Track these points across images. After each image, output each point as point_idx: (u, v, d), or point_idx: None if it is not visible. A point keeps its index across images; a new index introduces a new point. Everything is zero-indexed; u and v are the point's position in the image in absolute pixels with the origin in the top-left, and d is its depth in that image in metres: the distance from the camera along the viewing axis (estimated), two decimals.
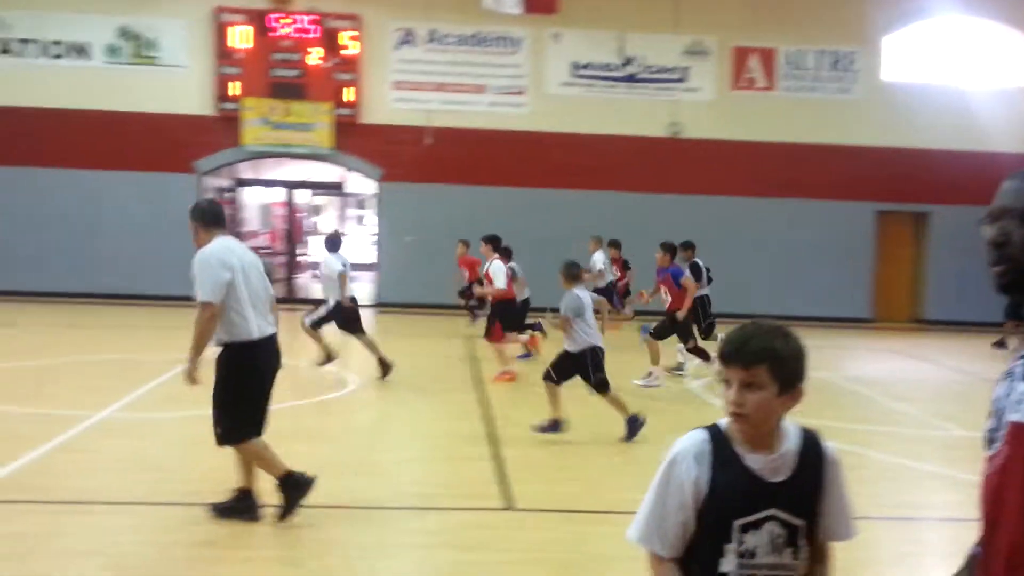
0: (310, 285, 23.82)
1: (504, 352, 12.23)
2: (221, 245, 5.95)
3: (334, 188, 23.20)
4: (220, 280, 5.75)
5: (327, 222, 27.70)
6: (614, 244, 17.77)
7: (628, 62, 20.51)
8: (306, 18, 19.53)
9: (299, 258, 23.88)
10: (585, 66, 20.44)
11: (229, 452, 6.13)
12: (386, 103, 20.05)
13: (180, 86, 19.49)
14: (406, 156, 20.09)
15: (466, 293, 16.70)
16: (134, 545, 5.62)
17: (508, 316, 12.50)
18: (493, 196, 20.09)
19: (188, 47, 19.53)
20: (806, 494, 2.36)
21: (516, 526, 6.21)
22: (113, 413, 9.14)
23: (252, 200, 23.25)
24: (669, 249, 11.99)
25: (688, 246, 12.96)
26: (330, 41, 19.61)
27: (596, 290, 15.08)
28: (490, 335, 12.41)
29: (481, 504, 6.62)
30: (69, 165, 19.23)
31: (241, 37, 19.40)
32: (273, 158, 20.49)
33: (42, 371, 11.35)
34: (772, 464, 2.34)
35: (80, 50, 19.34)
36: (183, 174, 19.52)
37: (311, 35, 19.54)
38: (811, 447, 2.41)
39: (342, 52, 19.66)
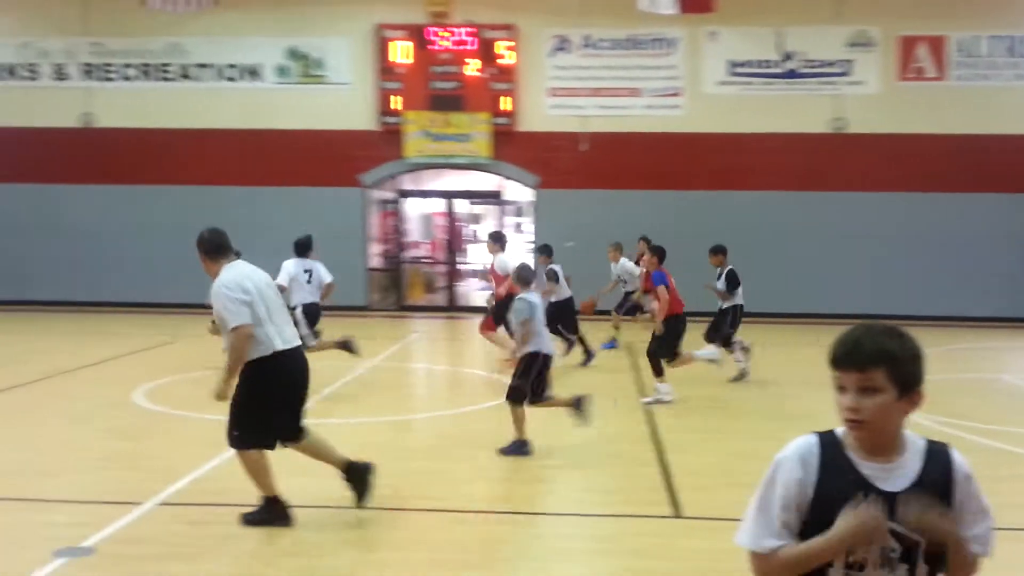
0: (471, 293, 24.27)
1: (497, 339, 12.50)
2: (233, 272, 6.13)
3: (492, 197, 23.55)
4: (242, 303, 5.95)
5: (486, 230, 28.13)
6: (644, 239, 17.35)
7: (788, 57, 20.00)
8: (463, 30, 19.93)
9: (459, 266, 24.34)
10: (743, 64, 20.06)
11: (393, 456, 6.33)
12: (542, 110, 20.22)
13: (345, 102, 20.24)
14: (562, 162, 20.20)
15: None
16: (316, 546, 5.87)
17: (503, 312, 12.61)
18: (650, 200, 19.96)
19: (352, 64, 20.26)
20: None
21: (684, 534, 6.16)
22: None
23: (413, 211, 23.85)
24: (656, 252, 11.51)
25: (719, 251, 12.60)
26: (487, 52, 19.95)
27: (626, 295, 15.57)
28: (484, 325, 12.77)
29: (648, 511, 6.60)
30: (242, 183, 20.25)
31: (402, 52, 19.97)
32: (433, 169, 20.98)
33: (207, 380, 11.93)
34: (888, 472, 2.23)
35: (252, 72, 20.36)
36: (350, 188, 20.26)
37: (468, 47, 19.93)
38: (937, 460, 2.28)
39: (498, 62, 19.97)
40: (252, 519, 6.20)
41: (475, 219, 31.21)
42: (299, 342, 6.37)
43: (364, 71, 20.22)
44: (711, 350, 11.83)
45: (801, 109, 19.90)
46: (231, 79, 20.40)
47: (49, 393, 10.91)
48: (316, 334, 11.58)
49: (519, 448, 8.20)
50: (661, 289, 10.76)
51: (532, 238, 21.53)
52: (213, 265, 6.19)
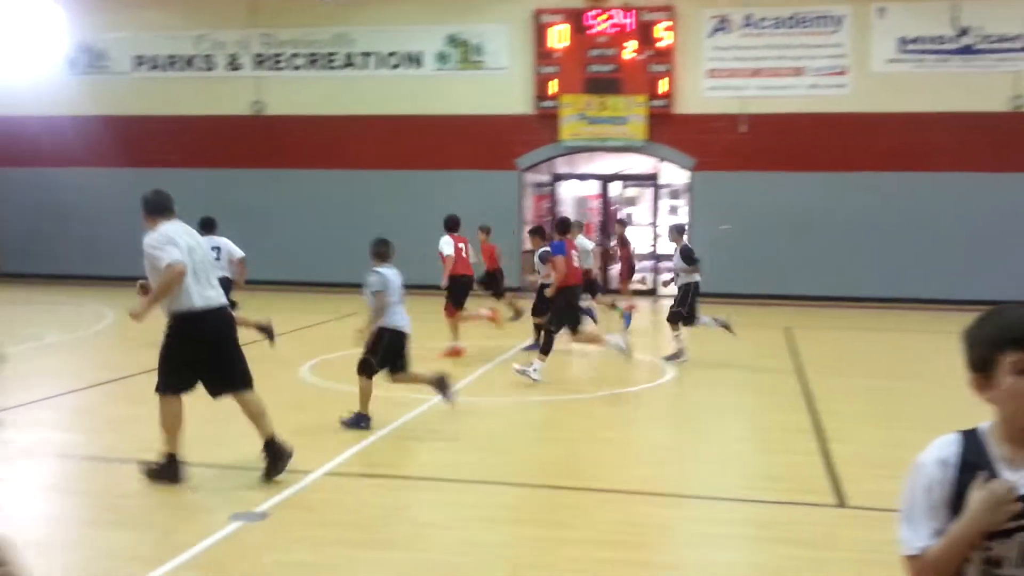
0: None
1: (457, 328, 12.44)
2: (166, 228, 6.52)
3: (647, 179, 23.35)
4: (170, 248, 6.34)
5: (641, 214, 27.94)
6: (621, 223, 17.70)
7: (963, 33, 18.99)
8: (622, 12, 19.79)
9: (612, 250, 24.25)
10: (914, 40, 19.17)
11: (552, 438, 6.39)
12: (699, 92, 19.90)
13: (502, 88, 20.46)
14: (719, 145, 19.84)
15: (484, 282, 15.86)
16: (478, 522, 6.01)
17: (460, 292, 12.56)
18: (811, 182, 19.40)
19: (510, 50, 20.45)
20: None
21: (849, 524, 6.00)
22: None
23: (567, 194, 23.91)
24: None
25: (679, 230, 12.56)
26: (644, 34, 19.76)
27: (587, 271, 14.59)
28: (445, 310, 12.60)
29: (811, 499, 6.45)
30: (403, 167, 20.77)
31: (559, 36, 20.02)
32: (587, 152, 20.97)
33: None
34: None
35: (413, 59, 20.83)
36: (506, 171, 20.50)
37: (626, 29, 19.78)
38: None
39: (656, 44, 19.75)
40: (151, 473, 6.58)
41: (629, 202, 31.06)
42: (222, 303, 6.69)
43: (521, 56, 20.37)
44: (619, 338, 11.44)
45: (978, 87, 18.88)
46: (394, 66, 20.93)
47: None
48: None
49: (358, 421, 8.15)
50: (558, 259, 10.59)
51: (686, 221, 21.27)
52: (153, 223, 6.61)
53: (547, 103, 20.18)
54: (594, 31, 19.93)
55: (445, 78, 20.71)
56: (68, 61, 22.09)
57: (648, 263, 22.36)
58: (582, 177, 23.43)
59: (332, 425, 8.42)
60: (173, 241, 6.43)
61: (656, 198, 22.13)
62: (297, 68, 21.32)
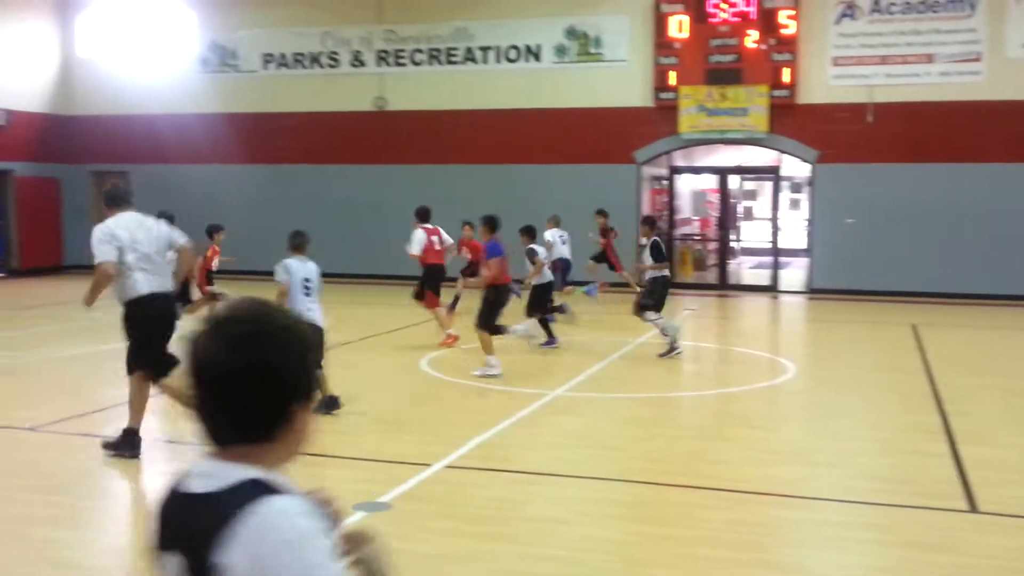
0: (740, 271, 23.79)
1: (442, 317, 12.59)
2: (113, 220, 7.11)
3: (768, 172, 22.91)
4: (108, 244, 6.94)
5: (762, 207, 27.46)
6: (601, 213, 17.68)
7: None
8: (744, 1, 19.43)
9: (731, 244, 23.92)
10: None
11: (667, 435, 6.35)
12: (824, 81, 19.38)
13: (621, 80, 20.35)
14: (844, 135, 19.29)
15: (465, 272, 15.60)
16: (593, 518, 6.04)
17: (433, 282, 12.81)
18: (941, 174, 18.69)
19: (629, 41, 20.31)
20: None
21: (981, 530, 5.80)
22: (565, 392, 9.80)
23: (684, 187, 23.65)
24: (488, 223, 11.03)
25: (647, 222, 12.56)
26: (767, 22, 19.35)
27: (554, 264, 14.88)
28: (425, 302, 12.86)
29: (939, 504, 6.25)
30: (521, 161, 20.88)
31: (679, 26, 19.78)
32: (706, 145, 20.69)
33: (506, 351, 12.40)
34: None
35: (532, 53, 20.92)
36: (624, 165, 20.39)
37: (749, 18, 19.42)
38: None
39: (780, 32, 19.32)
40: (110, 445, 7.22)
41: (749, 195, 30.51)
42: (167, 290, 7.28)
43: (641, 47, 20.21)
44: (525, 325, 11.40)
45: None
46: (512, 60, 21.06)
47: (342, 361, 11.81)
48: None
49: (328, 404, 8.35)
50: (492, 261, 10.66)
51: (808, 214, 20.78)
52: (109, 213, 7.23)
53: (666, 95, 19.98)
54: (715, 20, 19.63)
55: (563, 71, 20.72)
56: (199, 60, 22.96)
57: (767, 258, 21.95)
58: (700, 170, 23.14)
59: (452, 419, 8.57)
60: (113, 237, 7.00)
61: (776, 191, 21.68)
62: (418, 64, 21.66)
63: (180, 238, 12.72)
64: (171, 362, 7.13)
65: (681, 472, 6.97)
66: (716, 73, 19.60)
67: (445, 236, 13.54)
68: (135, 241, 7.07)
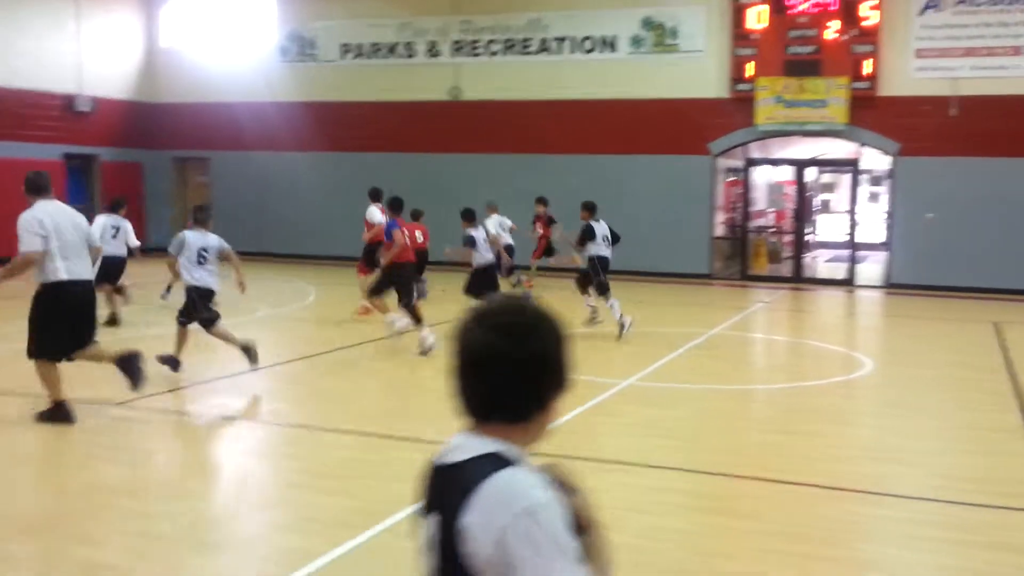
0: (816, 265, 23.43)
1: (364, 287, 12.80)
2: (38, 209, 7.40)
3: (846, 165, 22.51)
4: (35, 234, 7.25)
5: (840, 201, 27.02)
6: (541, 201, 17.80)
7: None
8: None
9: (807, 237, 23.55)
10: None
11: (740, 428, 6.28)
12: (906, 73, 18.95)
13: (697, 71, 20.16)
14: (926, 128, 18.85)
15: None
16: (665, 507, 6.03)
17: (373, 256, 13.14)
18: None
19: (706, 32, 20.11)
20: None
21: None
22: (636, 381, 9.79)
23: (760, 179, 23.35)
24: (391, 204, 12.14)
25: (586, 207, 13.01)
26: (848, 13, 18.99)
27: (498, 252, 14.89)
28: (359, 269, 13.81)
29: (1021, 504, 6.11)
30: (594, 151, 20.82)
31: (758, 17, 19.53)
32: (782, 136, 20.39)
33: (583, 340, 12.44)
34: None
35: (607, 43, 20.83)
36: (698, 156, 20.22)
37: (829, 8, 19.08)
38: None
39: (861, 23, 18.95)
40: (43, 416, 7.52)
41: (826, 188, 30.01)
42: (86, 278, 7.60)
43: (718, 38, 20.00)
44: (394, 317, 11.76)
45: None
46: (587, 51, 21.00)
47: (409, 346, 11.94)
48: (120, 288, 12.88)
49: (167, 362, 9.27)
50: (396, 233, 11.41)
51: (888, 208, 20.37)
52: (31, 200, 7.51)
53: (743, 86, 19.75)
54: (795, 11, 19.33)
55: (639, 62, 20.59)
56: (279, 49, 23.34)
57: (844, 252, 21.58)
58: (776, 162, 22.82)
59: None
60: (40, 225, 7.32)
61: (855, 184, 21.28)
62: (493, 54, 21.73)
63: (133, 238, 13.15)
64: (82, 344, 7.65)
65: (755, 465, 6.92)
66: (795, 64, 19.31)
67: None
68: (59, 229, 7.42)
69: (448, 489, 1.81)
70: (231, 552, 5.29)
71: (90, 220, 9.13)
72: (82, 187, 22.71)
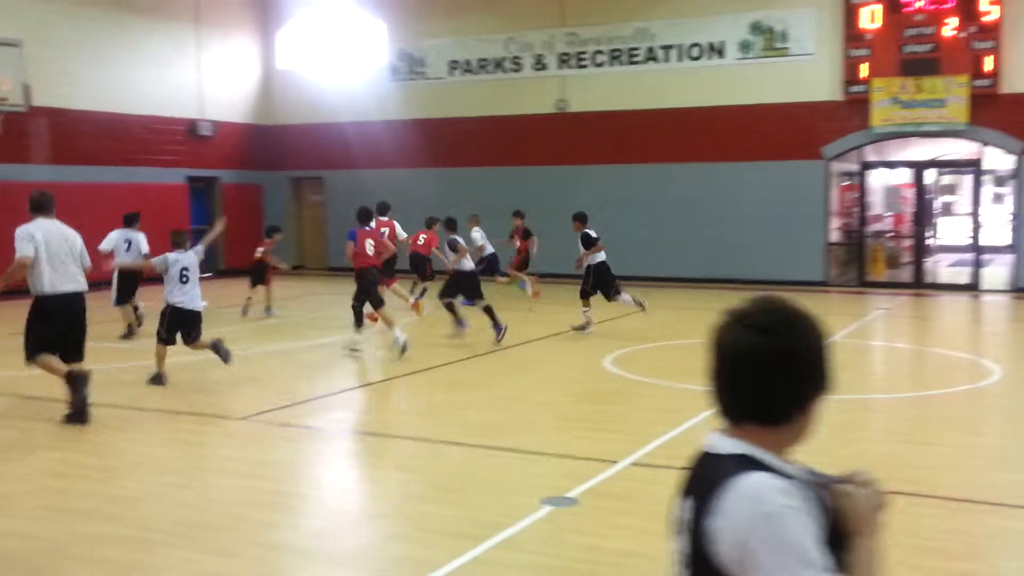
0: (937, 270, 22.62)
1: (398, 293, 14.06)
2: (32, 225, 8.06)
3: (968, 166, 21.70)
4: (26, 244, 7.91)
5: (962, 203, 26.07)
6: (518, 214, 18.36)
7: None
8: None
9: (928, 241, 22.77)
10: None
11: (865, 438, 6.05)
12: None
13: (808, 74, 19.75)
14: None
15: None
16: None
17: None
18: None
19: (817, 34, 19.69)
20: None
21: None
22: None
23: (876, 183, 22.67)
24: (359, 215, 12.34)
25: (577, 218, 13.81)
26: (967, 9, 18.34)
27: (479, 261, 16.08)
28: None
29: None
30: (704, 159, 20.58)
31: (872, 17, 19.04)
32: (899, 138, 19.79)
33: (674, 350, 12.24)
34: None
35: (715, 50, 20.59)
36: (811, 161, 19.79)
37: (946, 5, 18.47)
38: None
39: (981, 19, 18.27)
40: (68, 419, 8.09)
41: (947, 190, 28.97)
42: (76, 289, 8.18)
43: (829, 40, 19.56)
44: (357, 337, 12.02)
45: None
46: (694, 58, 20.80)
47: (528, 359, 11.97)
48: (136, 307, 13.37)
49: (156, 380, 9.62)
50: (349, 244, 12.02)
51: (1013, 209, 19.54)
52: (31, 217, 8.15)
53: (857, 88, 19.26)
54: (910, 9, 18.77)
55: (748, 67, 20.29)
56: (389, 69, 23.81)
57: (967, 256, 20.77)
58: (893, 165, 22.15)
59: (637, 416, 8.56)
60: (32, 237, 7.98)
61: (978, 185, 20.49)
62: (599, 65, 21.71)
63: (145, 246, 13.42)
64: (67, 348, 8.24)
65: (881, 476, 6.62)
66: (911, 64, 18.74)
67: (399, 231, 15.61)
68: (48, 244, 8.07)
69: (703, 477, 1.86)
70: (349, 563, 5.39)
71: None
72: (204, 209, 23.54)
